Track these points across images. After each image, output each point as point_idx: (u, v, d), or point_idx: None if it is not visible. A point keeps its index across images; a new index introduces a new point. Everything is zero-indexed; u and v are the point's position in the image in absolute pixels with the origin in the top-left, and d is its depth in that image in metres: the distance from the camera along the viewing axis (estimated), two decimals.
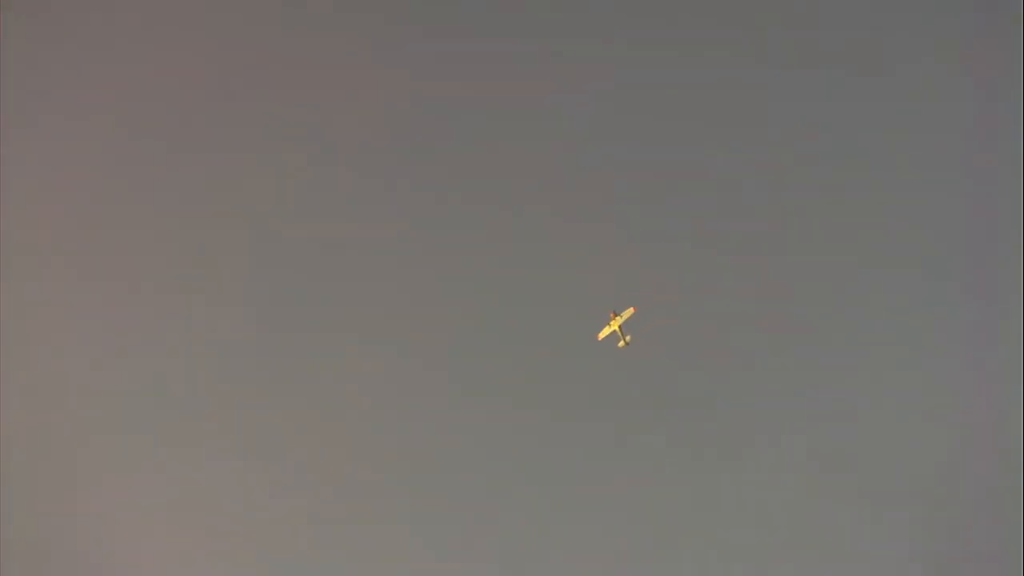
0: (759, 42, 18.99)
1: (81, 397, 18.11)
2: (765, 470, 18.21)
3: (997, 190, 18.09)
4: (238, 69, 19.01)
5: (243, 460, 18.34)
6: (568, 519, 18.31)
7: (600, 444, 18.57)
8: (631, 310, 17.87)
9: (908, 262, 18.44)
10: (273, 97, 19.09)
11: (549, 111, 19.16)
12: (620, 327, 17.97)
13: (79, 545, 17.43)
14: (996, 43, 18.11)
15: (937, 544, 17.36)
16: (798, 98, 18.93)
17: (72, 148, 18.71)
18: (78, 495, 17.68)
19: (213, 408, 18.42)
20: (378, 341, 18.86)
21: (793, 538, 17.84)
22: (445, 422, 18.67)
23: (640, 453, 18.48)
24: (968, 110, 18.43)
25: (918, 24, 18.60)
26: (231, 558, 17.87)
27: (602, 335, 18.06)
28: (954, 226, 18.33)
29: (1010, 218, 17.91)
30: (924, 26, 18.56)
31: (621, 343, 18.05)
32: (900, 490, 17.79)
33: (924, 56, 18.58)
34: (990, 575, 16.87)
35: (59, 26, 18.66)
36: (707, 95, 19.07)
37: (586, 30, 19.26)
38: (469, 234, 19.15)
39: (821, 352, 18.49)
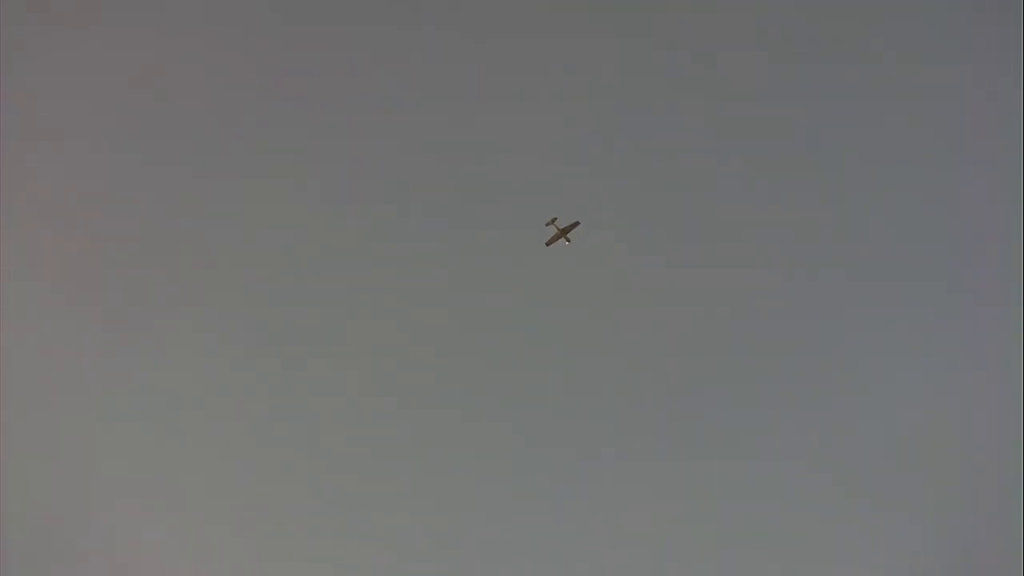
0: (748, 44, 19.05)
1: (82, 397, 18.15)
2: (763, 470, 18.23)
3: (998, 191, 18.13)
4: (241, 72, 19.05)
5: (244, 460, 18.37)
6: (562, 515, 18.36)
7: (597, 443, 18.60)
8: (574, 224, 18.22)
9: (910, 261, 18.48)
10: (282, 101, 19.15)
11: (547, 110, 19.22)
12: (563, 231, 18.19)
13: (81, 546, 17.47)
14: (996, 43, 18.14)
15: (937, 544, 17.37)
16: (794, 99, 18.98)
17: (72, 147, 18.74)
18: (79, 495, 17.73)
19: (216, 409, 18.48)
20: (378, 347, 18.92)
21: (791, 538, 17.86)
22: (451, 420, 18.74)
23: (637, 452, 18.52)
24: (967, 111, 18.47)
25: (914, 23, 18.65)
26: (231, 561, 17.91)
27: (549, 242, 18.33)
28: (954, 225, 18.38)
29: (1011, 218, 17.96)
30: (921, 25, 18.61)
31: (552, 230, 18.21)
32: (900, 491, 17.81)
33: (921, 56, 18.63)
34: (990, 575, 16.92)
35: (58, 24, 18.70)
36: (696, 94, 19.10)
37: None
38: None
39: (821, 351, 18.53)
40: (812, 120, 18.85)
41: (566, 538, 18.17)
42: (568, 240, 18.29)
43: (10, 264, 18.13)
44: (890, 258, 18.53)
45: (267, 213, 18.99)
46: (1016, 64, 17.90)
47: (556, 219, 18.15)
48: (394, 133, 19.15)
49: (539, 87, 19.20)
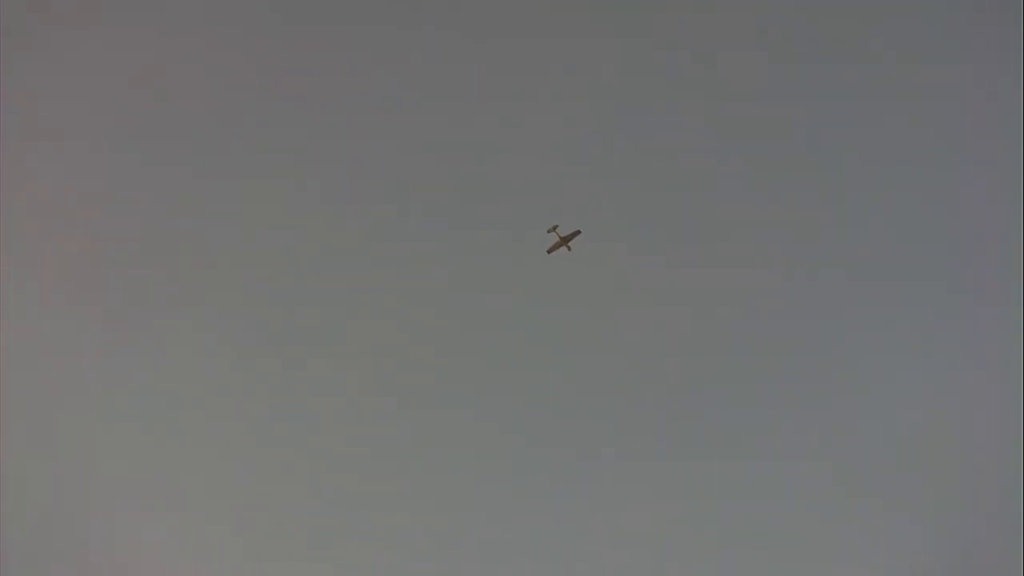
0: (748, 44, 19.04)
1: (82, 397, 18.12)
2: (763, 470, 18.22)
3: (998, 191, 18.12)
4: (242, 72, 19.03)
5: (244, 460, 18.36)
6: (559, 515, 18.35)
7: (597, 443, 18.59)
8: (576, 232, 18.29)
9: (910, 261, 18.47)
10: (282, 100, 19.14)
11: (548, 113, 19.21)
12: (564, 239, 18.25)
13: (81, 546, 17.45)
14: (996, 43, 18.12)
15: (937, 544, 17.37)
16: (794, 99, 18.97)
17: (72, 147, 18.72)
18: (79, 495, 17.71)
19: (216, 409, 18.47)
20: (378, 347, 18.91)
21: (791, 538, 17.84)
22: (451, 420, 18.73)
23: (637, 452, 18.51)
24: (967, 111, 18.45)
25: (914, 23, 18.63)
26: (231, 561, 17.89)
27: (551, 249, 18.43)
28: (954, 225, 18.37)
29: (1011, 218, 17.95)
30: (921, 25, 18.60)
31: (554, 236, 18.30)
32: (900, 491, 17.80)
33: (921, 56, 18.61)
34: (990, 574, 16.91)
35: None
36: (696, 94, 19.09)
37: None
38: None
39: (821, 351, 18.51)
40: (812, 120, 18.86)
41: (566, 538, 18.17)
42: (569, 248, 18.34)
43: (10, 264, 18.13)
44: (890, 258, 18.53)
45: (267, 213, 18.98)
46: (1016, 64, 17.90)
47: (557, 227, 18.21)
48: (394, 133, 19.16)
49: (539, 87, 19.21)
